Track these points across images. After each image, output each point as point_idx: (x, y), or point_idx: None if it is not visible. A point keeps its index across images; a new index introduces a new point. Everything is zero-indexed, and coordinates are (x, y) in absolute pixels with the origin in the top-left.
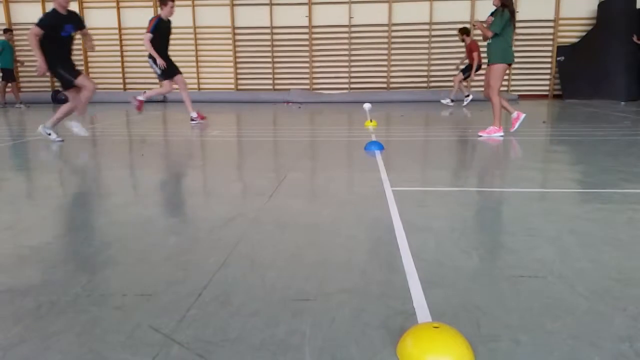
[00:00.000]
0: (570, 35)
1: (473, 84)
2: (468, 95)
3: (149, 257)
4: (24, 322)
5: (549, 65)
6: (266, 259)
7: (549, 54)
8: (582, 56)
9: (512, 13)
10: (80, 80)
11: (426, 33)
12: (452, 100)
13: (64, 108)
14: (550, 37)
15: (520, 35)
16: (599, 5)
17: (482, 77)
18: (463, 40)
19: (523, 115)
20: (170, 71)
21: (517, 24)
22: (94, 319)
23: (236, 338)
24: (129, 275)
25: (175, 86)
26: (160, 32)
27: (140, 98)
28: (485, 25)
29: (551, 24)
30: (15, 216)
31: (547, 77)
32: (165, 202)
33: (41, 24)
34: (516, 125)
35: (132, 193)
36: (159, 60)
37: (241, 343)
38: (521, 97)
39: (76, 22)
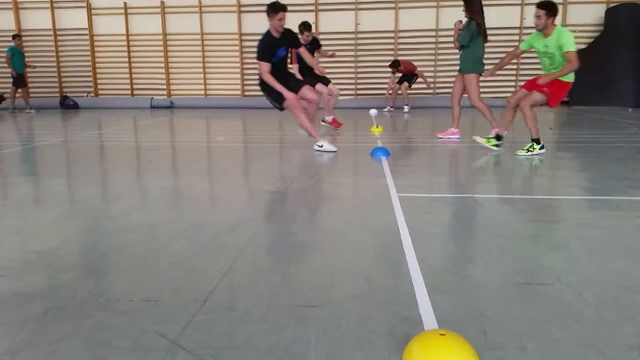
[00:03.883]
0: (578, 42)
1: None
2: (392, 107)
3: (155, 262)
4: (31, 326)
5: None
6: (272, 265)
7: None
8: (589, 63)
9: (479, 25)
10: (286, 105)
11: (432, 40)
12: (392, 106)
13: (300, 117)
14: None
15: None
16: (607, 12)
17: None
18: (399, 71)
19: (455, 137)
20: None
21: (524, 31)
22: (100, 324)
23: (242, 344)
24: (135, 281)
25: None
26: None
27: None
28: (459, 30)
29: None
30: (23, 221)
31: None
32: (171, 207)
33: (262, 57)
34: (444, 137)
35: (139, 198)
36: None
37: (247, 349)
38: None
39: (289, 42)
